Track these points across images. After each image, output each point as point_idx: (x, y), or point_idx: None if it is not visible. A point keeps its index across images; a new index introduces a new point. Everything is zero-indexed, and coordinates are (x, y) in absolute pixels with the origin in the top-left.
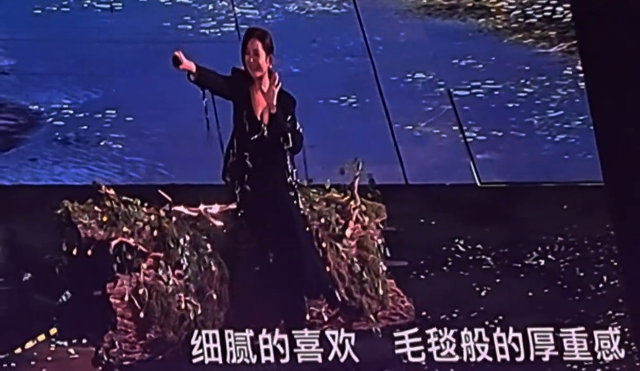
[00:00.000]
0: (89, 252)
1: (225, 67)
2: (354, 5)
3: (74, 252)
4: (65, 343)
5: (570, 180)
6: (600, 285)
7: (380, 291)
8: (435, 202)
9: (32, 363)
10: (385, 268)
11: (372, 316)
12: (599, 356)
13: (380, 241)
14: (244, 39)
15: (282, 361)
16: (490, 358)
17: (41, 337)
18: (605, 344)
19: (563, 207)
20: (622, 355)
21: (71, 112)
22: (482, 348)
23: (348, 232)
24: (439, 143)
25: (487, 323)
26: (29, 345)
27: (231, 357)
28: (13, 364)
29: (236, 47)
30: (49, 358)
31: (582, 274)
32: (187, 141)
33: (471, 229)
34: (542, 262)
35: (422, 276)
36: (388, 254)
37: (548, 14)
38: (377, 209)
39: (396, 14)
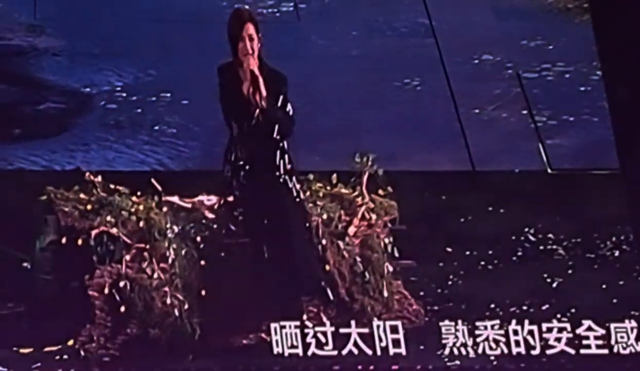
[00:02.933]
0: (64, 240)
1: (284, 48)
2: None
3: (52, 240)
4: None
5: None
6: None
7: (385, 293)
8: (504, 189)
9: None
10: (391, 269)
11: (375, 319)
12: None
13: (387, 240)
14: (235, 24)
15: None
16: (558, 350)
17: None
18: None
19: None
20: None
21: (124, 95)
22: (557, 341)
23: (351, 230)
24: (508, 128)
25: (559, 316)
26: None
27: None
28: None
29: (295, 27)
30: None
31: None
32: None
33: (542, 218)
34: (617, 252)
35: (490, 267)
36: (396, 254)
37: None
38: (387, 207)
39: None
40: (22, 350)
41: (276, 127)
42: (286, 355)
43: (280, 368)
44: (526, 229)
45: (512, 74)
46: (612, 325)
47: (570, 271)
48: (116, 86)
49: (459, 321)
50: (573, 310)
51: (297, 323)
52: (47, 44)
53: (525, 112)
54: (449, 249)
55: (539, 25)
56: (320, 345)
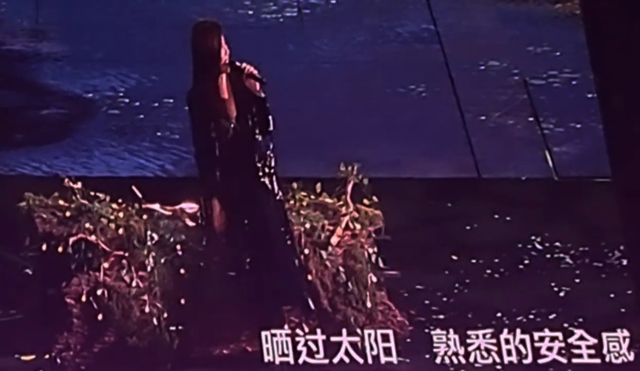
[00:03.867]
0: (44, 247)
1: (286, 55)
2: None
3: (30, 247)
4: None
5: None
6: None
7: (369, 304)
8: (510, 197)
9: None
10: (375, 279)
11: (358, 330)
12: None
13: (371, 250)
14: (215, 33)
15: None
16: (564, 360)
17: None
18: None
19: None
20: None
21: (127, 100)
22: (561, 351)
23: (334, 239)
24: (514, 135)
25: (566, 325)
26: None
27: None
28: None
29: (299, 33)
30: None
31: None
32: None
33: (548, 226)
34: (625, 262)
35: (497, 275)
36: (381, 264)
37: None
38: (372, 216)
39: None
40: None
41: (256, 129)
42: (277, 363)
43: None
44: (532, 237)
45: (519, 80)
46: (620, 334)
47: (577, 280)
48: (119, 92)
49: (451, 330)
50: (580, 319)
51: (288, 331)
52: (50, 49)
53: (531, 119)
54: (455, 258)
55: (545, 31)
56: (311, 354)
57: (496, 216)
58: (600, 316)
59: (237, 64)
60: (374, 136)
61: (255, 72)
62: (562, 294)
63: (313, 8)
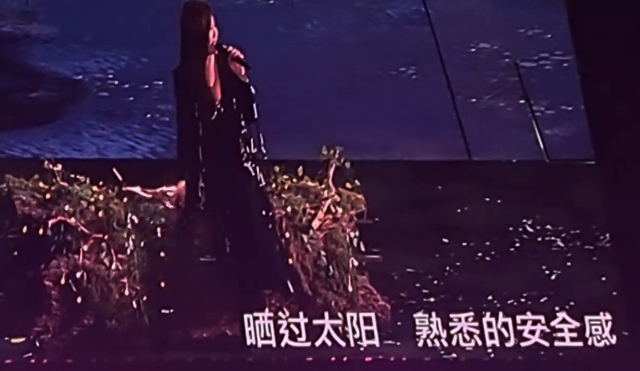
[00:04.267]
0: (24, 230)
1: (276, 37)
2: None
3: (9, 230)
4: None
5: None
6: None
7: (350, 288)
8: (501, 179)
9: None
10: (356, 263)
11: (339, 314)
12: None
13: (353, 234)
14: (204, 14)
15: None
16: (549, 344)
17: None
18: None
19: None
20: None
21: (116, 82)
22: (551, 335)
23: (315, 223)
24: (505, 117)
25: (557, 308)
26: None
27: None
28: None
29: (289, 15)
30: None
31: None
32: None
33: (539, 209)
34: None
35: (488, 258)
36: (362, 248)
37: None
38: (354, 200)
39: None
40: None
41: (240, 114)
42: (259, 347)
43: (253, 360)
44: (524, 221)
45: (510, 62)
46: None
47: (569, 263)
48: (108, 74)
49: (433, 313)
50: (572, 303)
51: (271, 314)
52: (39, 31)
53: (522, 101)
54: (445, 240)
55: (537, 13)
56: (293, 337)
57: (487, 199)
58: (591, 299)
59: (224, 46)
60: (364, 119)
61: (241, 56)
62: (553, 277)
63: None
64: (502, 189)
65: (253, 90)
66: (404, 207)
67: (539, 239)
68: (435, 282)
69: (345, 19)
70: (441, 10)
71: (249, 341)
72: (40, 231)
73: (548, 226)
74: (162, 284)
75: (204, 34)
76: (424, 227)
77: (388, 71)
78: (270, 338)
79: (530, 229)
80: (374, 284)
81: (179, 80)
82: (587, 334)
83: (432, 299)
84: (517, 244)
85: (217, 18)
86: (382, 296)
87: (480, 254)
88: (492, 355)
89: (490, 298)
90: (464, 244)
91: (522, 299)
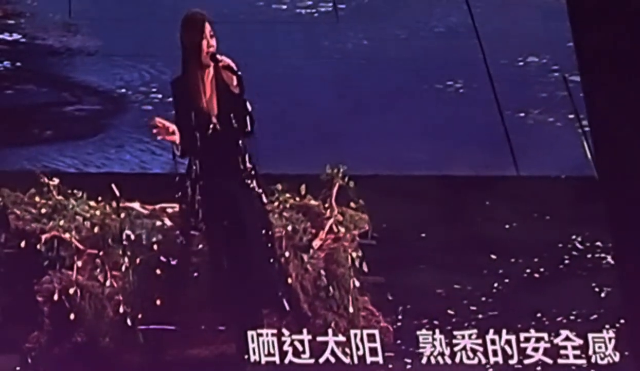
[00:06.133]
0: (18, 244)
1: (321, 50)
2: None
3: (4, 244)
4: None
5: None
6: None
7: (351, 309)
8: (550, 195)
9: None
10: (358, 284)
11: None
12: None
13: (355, 254)
14: (198, 24)
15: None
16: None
17: None
18: None
19: None
20: None
21: (160, 96)
22: (602, 353)
23: (316, 243)
24: (554, 132)
25: (607, 326)
26: None
27: None
28: None
29: (334, 29)
30: None
31: None
32: (283, 129)
33: (589, 226)
34: None
35: (536, 275)
36: (365, 269)
37: None
38: (357, 220)
39: None
40: None
41: (239, 128)
42: (263, 363)
43: None
44: (573, 237)
45: (559, 77)
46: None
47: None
48: (152, 87)
49: (437, 331)
50: (622, 321)
51: (274, 331)
52: (82, 43)
53: (571, 116)
54: (493, 257)
55: None
56: (297, 354)
57: (535, 215)
58: None
59: (217, 57)
60: (410, 133)
61: (232, 64)
62: (603, 295)
63: (348, 3)
64: (551, 205)
65: (248, 104)
66: (451, 223)
67: (589, 256)
68: (484, 299)
69: (390, 32)
70: (488, 23)
71: (252, 358)
72: (34, 246)
73: (598, 243)
74: (158, 301)
75: (197, 45)
76: (472, 243)
77: (434, 85)
78: (274, 355)
79: (579, 246)
80: (375, 305)
81: (176, 91)
82: None
83: (480, 316)
84: (567, 262)
85: (259, 31)
86: (385, 317)
87: (528, 270)
88: None
89: (539, 315)
90: (512, 260)
91: (572, 317)
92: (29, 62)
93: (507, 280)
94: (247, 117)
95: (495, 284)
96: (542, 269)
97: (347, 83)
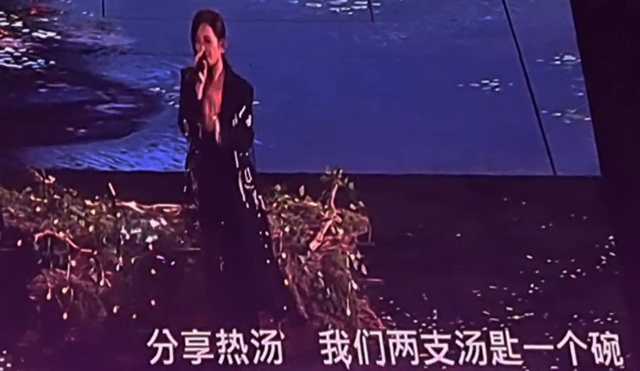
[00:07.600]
0: (11, 243)
1: (358, 47)
2: None
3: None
4: None
5: None
6: None
7: (348, 312)
8: (587, 195)
9: None
10: (355, 286)
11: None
12: None
13: (353, 256)
14: (193, 25)
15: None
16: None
17: None
18: None
19: None
20: None
21: None
22: None
23: (313, 244)
24: (591, 132)
25: None
26: None
27: None
28: None
29: (368, 27)
30: None
31: None
32: (315, 128)
33: None
34: None
35: (573, 276)
36: (364, 271)
37: None
38: (357, 222)
39: None
40: None
41: (232, 144)
42: (268, 363)
43: None
44: (610, 238)
45: None
46: None
47: None
48: None
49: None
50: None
51: (275, 332)
52: (116, 42)
53: None
54: (529, 257)
55: None
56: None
57: (572, 215)
58: None
59: (204, 62)
60: (445, 132)
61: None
62: None
63: (383, 1)
64: (588, 205)
65: (250, 121)
66: (488, 223)
67: None
68: (520, 299)
69: (425, 31)
70: (524, 21)
71: (255, 359)
72: (28, 245)
73: None
74: (153, 302)
75: (193, 46)
76: (509, 243)
77: (470, 83)
78: (277, 357)
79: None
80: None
81: (183, 80)
82: None
83: (515, 317)
84: (603, 262)
85: (293, 31)
86: (383, 319)
87: (565, 271)
88: None
89: (575, 316)
90: (548, 261)
91: (609, 319)
92: (62, 61)
93: (542, 281)
94: (246, 132)
95: (531, 285)
96: (579, 270)
97: (381, 82)
